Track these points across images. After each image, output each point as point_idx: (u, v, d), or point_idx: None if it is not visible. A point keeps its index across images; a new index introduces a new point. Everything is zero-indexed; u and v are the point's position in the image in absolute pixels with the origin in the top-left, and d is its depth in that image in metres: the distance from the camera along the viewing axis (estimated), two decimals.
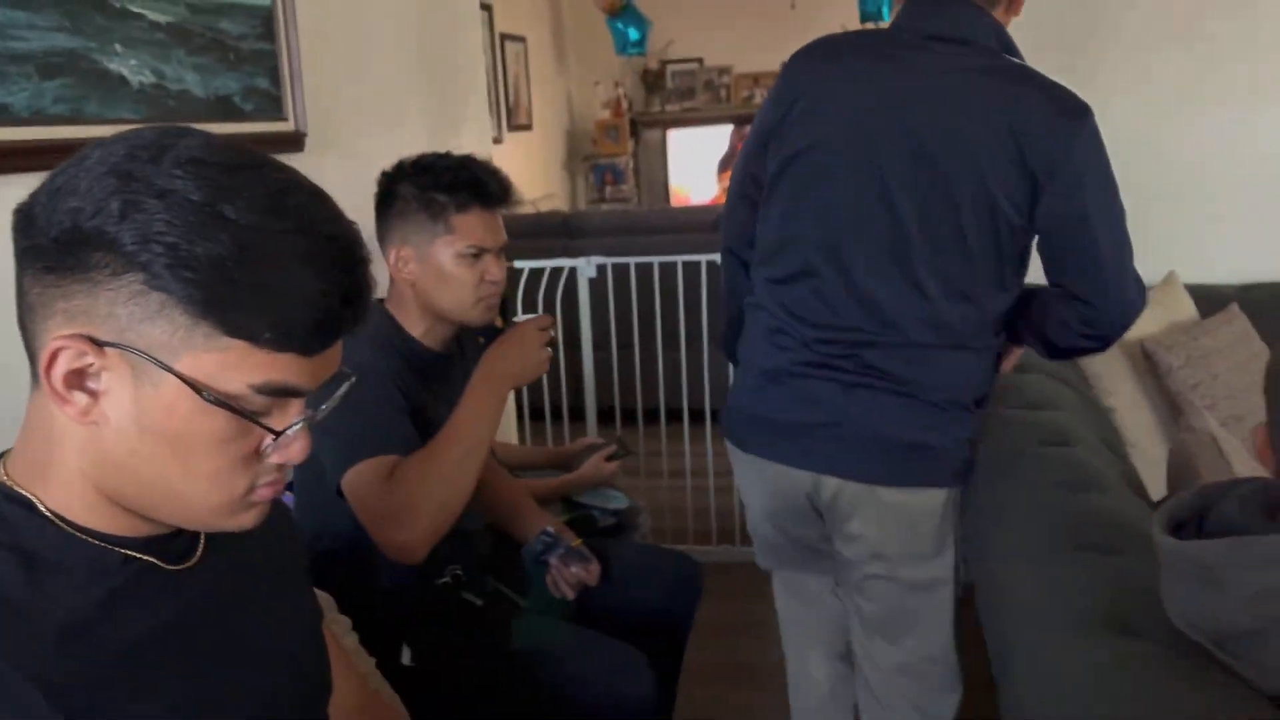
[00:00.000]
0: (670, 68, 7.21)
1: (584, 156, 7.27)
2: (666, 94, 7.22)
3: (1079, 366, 2.26)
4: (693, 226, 4.33)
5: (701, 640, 2.10)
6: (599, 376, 3.15)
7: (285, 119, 2.03)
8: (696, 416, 3.19)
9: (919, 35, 1.48)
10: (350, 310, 0.74)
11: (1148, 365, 2.23)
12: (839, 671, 1.81)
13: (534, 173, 6.49)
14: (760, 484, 1.63)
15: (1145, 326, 2.30)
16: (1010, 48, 1.47)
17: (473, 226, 1.60)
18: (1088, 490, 1.39)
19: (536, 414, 3.27)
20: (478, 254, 1.61)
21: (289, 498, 1.79)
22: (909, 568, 1.51)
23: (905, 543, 1.49)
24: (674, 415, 3.22)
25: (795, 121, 1.53)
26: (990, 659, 1.24)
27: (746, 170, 1.64)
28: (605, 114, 7.16)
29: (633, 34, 7.00)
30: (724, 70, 7.25)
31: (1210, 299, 2.37)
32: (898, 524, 1.48)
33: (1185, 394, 2.10)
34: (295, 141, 2.05)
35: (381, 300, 1.71)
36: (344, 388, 0.84)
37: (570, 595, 1.77)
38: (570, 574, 1.76)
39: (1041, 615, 1.14)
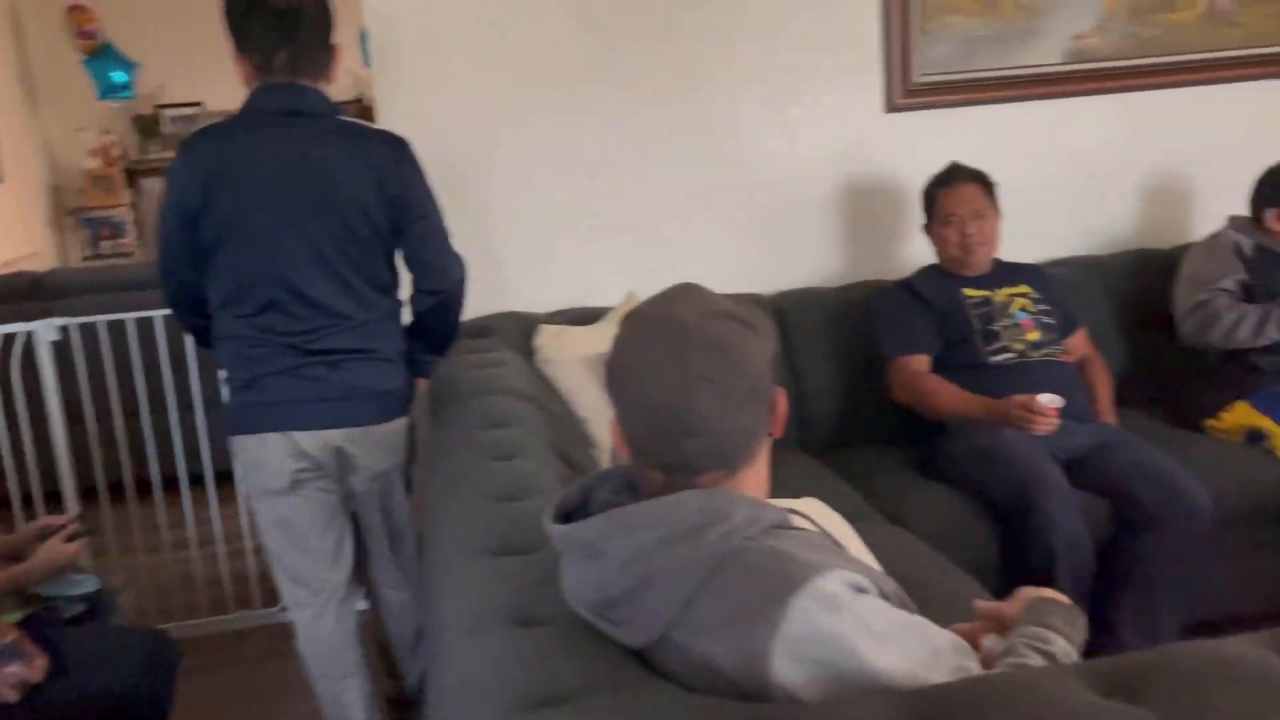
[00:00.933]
0: (166, 112, 6.75)
1: (72, 210, 6.57)
2: (165, 140, 6.75)
3: (553, 385, 2.43)
4: None
5: (200, 713, 1.98)
6: (76, 451, 2.85)
7: None
8: (196, 481, 2.99)
9: (281, 113, 1.96)
10: None
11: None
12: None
13: (9, 230, 5.74)
14: (287, 455, 2.02)
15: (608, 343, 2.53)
16: (335, 109, 2.04)
17: None
18: (521, 498, 1.49)
19: (2, 502, 2.88)
20: None
21: None
22: (393, 473, 2.14)
23: (389, 458, 2.11)
24: (171, 483, 2.99)
25: (216, 195, 1.94)
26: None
27: (179, 243, 2.00)
28: (94, 163, 6.53)
29: (118, 77, 6.48)
30: (227, 114, 6.92)
31: None
32: (384, 447, 2.09)
33: None
34: None
35: None
36: None
37: (13, 698, 1.58)
38: (8, 675, 1.58)
39: (455, 616, 1.21)
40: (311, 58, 1.98)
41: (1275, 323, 2.65)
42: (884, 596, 1.03)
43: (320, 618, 2.13)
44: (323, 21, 1.99)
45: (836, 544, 1.20)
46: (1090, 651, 2.36)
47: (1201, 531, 2.31)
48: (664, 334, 1.09)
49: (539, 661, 1.05)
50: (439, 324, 2.15)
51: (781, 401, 1.14)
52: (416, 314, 2.13)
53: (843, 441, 2.81)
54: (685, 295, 1.15)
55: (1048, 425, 2.34)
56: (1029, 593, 1.20)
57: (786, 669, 0.94)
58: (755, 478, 1.13)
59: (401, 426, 2.11)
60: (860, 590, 0.99)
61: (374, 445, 2.06)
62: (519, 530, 1.36)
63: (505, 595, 1.20)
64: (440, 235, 2.08)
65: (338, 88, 3.28)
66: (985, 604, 1.24)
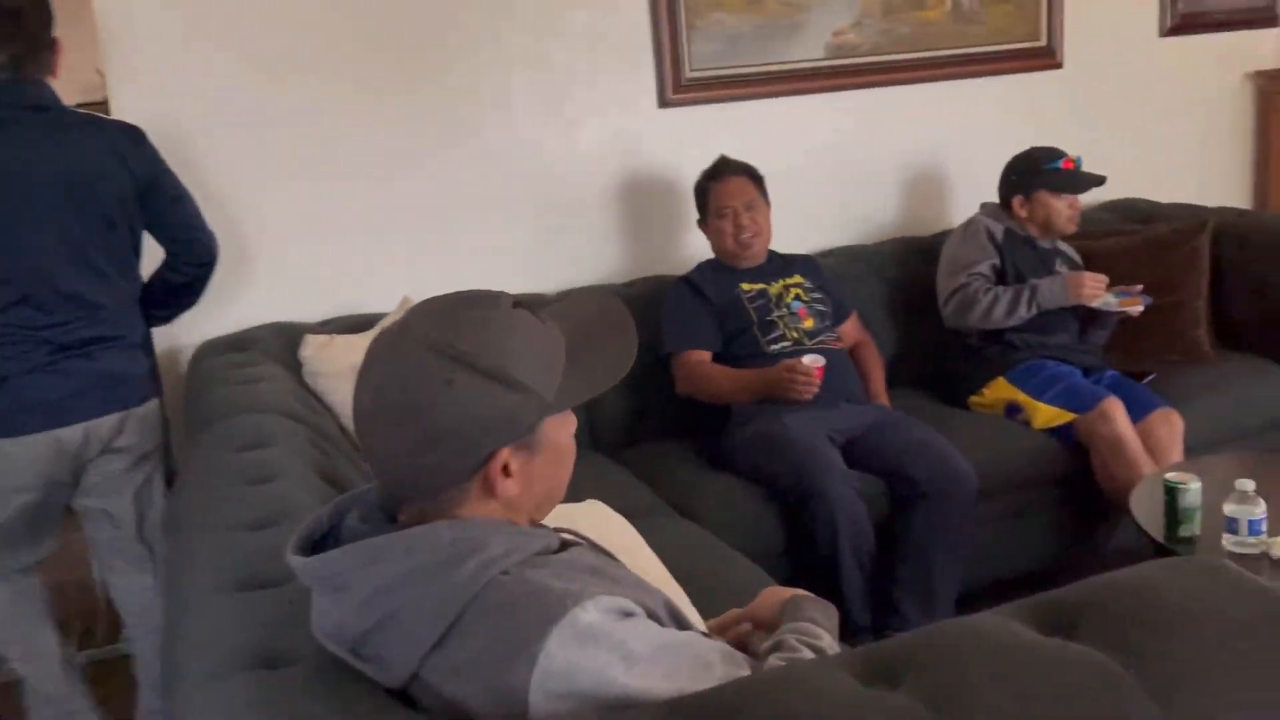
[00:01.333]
0: None
1: None
2: None
3: (322, 399, 2.30)
4: None
5: None
6: None
7: None
8: None
9: (17, 108, 1.99)
10: None
11: None
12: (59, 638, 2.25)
13: None
14: (46, 455, 2.04)
15: None
16: (59, 102, 2.06)
17: None
18: (276, 525, 1.38)
19: None
20: None
21: None
22: (152, 457, 2.20)
23: (154, 439, 2.19)
24: None
25: None
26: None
27: None
28: None
29: None
30: None
31: None
32: (149, 428, 2.17)
33: None
34: None
35: None
36: None
37: None
38: None
39: (193, 661, 1.09)
40: (36, 55, 2.02)
41: (1026, 303, 2.82)
42: (652, 615, 1.00)
43: (3, 580, 2.15)
44: (43, 18, 2.03)
45: (611, 558, 1.15)
46: (876, 628, 2.44)
47: (969, 502, 2.43)
48: (380, 350, 1.02)
49: (285, 705, 0.95)
50: (194, 294, 2.29)
51: (505, 462, 1.00)
52: (177, 285, 2.24)
53: (633, 439, 2.80)
54: (443, 312, 1.03)
55: (811, 388, 2.43)
56: (780, 593, 1.20)
57: (546, 707, 0.89)
58: (489, 511, 1.02)
59: (158, 406, 2.21)
60: (625, 614, 0.95)
61: (139, 426, 2.14)
62: (270, 561, 1.24)
63: (250, 634, 1.09)
64: (197, 211, 2.21)
65: (89, 88, 3.03)
66: (719, 620, 1.24)
